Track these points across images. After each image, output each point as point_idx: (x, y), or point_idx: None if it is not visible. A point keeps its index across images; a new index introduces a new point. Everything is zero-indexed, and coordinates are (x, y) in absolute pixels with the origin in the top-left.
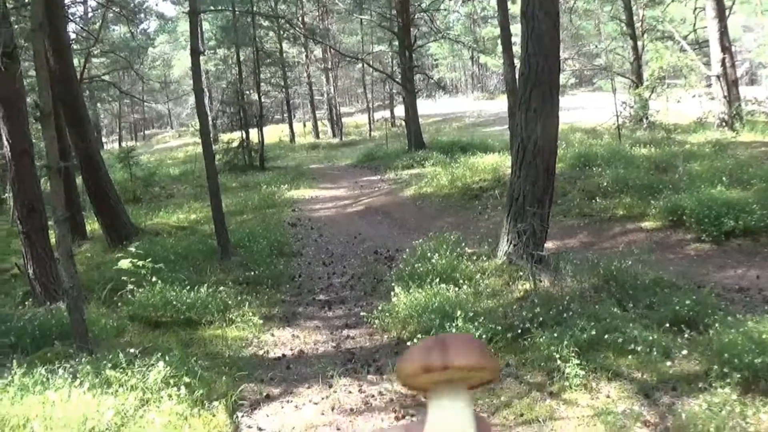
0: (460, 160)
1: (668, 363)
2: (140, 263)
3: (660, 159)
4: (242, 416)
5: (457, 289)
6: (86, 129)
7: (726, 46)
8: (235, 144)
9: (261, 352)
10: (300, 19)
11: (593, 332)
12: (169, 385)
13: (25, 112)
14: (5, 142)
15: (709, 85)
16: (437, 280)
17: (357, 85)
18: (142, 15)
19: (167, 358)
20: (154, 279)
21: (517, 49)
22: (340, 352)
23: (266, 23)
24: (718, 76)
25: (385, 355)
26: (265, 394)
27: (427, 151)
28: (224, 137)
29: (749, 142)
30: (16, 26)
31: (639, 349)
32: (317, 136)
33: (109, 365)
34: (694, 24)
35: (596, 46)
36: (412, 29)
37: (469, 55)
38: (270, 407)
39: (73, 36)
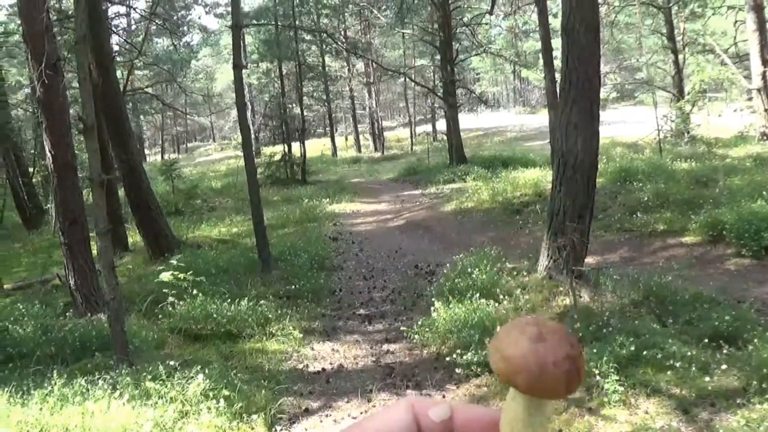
0: (502, 175)
1: (707, 379)
2: (181, 276)
3: (701, 173)
4: (281, 430)
5: (496, 304)
6: (129, 141)
7: (766, 59)
8: (277, 157)
9: (301, 366)
10: (342, 33)
11: (632, 348)
12: (208, 397)
13: (68, 124)
14: (48, 154)
15: (750, 99)
16: (477, 295)
17: (399, 99)
18: (185, 28)
19: (207, 370)
20: (195, 292)
21: (558, 63)
22: (380, 367)
23: (309, 37)
24: (758, 90)
25: (425, 370)
26: (303, 407)
27: (469, 166)
28: (266, 151)
29: None
30: (59, 38)
31: (678, 364)
32: (359, 150)
33: (149, 377)
34: (735, 37)
35: (637, 60)
36: (453, 43)
37: (510, 69)
38: (308, 421)
39: (116, 48)
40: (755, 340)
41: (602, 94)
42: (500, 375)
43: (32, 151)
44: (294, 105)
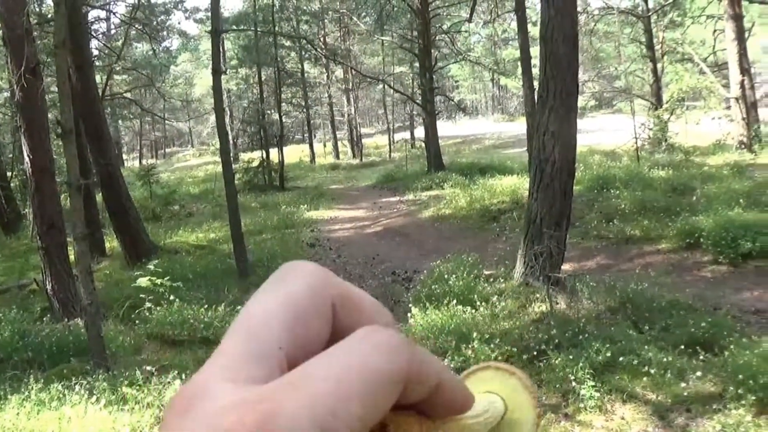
0: (479, 182)
1: (683, 385)
2: (158, 281)
3: (678, 181)
4: None
5: (473, 310)
6: (107, 146)
7: (745, 68)
8: (255, 164)
9: None
10: (321, 39)
11: (608, 354)
12: None
13: (46, 128)
14: (26, 158)
15: (728, 107)
16: (454, 301)
17: (377, 106)
18: (165, 33)
19: (184, 376)
20: (172, 297)
21: (536, 71)
22: None
23: (288, 43)
24: (737, 98)
25: None
26: None
27: (447, 173)
28: (244, 157)
29: None
30: (39, 42)
31: (654, 371)
32: (337, 156)
33: (126, 382)
34: (714, 46)
35: (616, 69)
36: (432, 51)
37: (489, 77)
38: None
39: (95, 53)
40: (731, 347)
41: (580, 102)
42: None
43: (10, 155)
44: (272, 111)
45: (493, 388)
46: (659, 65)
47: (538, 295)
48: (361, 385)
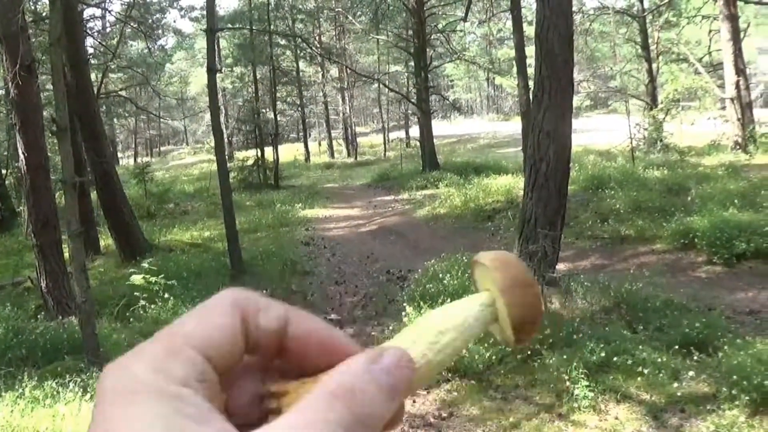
0: (474, 181)
1: (677, 385)
2: (153, 279)
3: (673, 181)
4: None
5: None
6: (102, 144)
7: (740, 69)
8: (250, 162)
9: None
10: (317, 38)
11: (603, 354)
12: None
13: (41, 126)
14: (21, 156)
15: (724, 108)
16: (448, 300)
17: (372, 105)
18: (160, 31)
19: None
20: (166, 295)
21: (531, 71)
22: None
23: (283, 42)
24: (732, 99)
25: None
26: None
27: (441, 172)
28: (239, 155)
29: (763, 164)
30: (34, 40)
31: (648, 371)
32: (332, 155)
33: None
34: (709, 46)
35: (611, 68)
36: (428, 50)
37: (484, 76)
38: None
39: (90, 51)
40: (725, 347)
41: (575, 102)
42: (527, 316)
43: (5, 153)
44: (267, 109)
45: (489, 287)
46: (654, 65)
47: None
48: (192, 312)
